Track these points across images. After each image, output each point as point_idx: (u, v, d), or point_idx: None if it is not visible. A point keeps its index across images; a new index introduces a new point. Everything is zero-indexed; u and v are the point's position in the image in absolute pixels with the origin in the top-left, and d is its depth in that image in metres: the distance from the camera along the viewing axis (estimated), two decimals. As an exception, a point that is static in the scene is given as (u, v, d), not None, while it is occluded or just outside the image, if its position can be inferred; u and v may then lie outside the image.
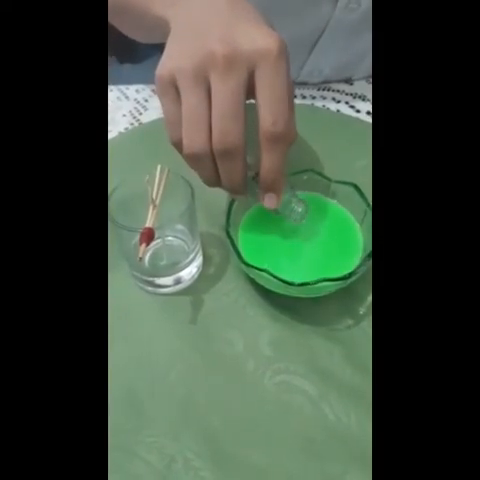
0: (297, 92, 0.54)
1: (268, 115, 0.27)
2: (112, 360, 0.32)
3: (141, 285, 0.36)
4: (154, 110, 0.51)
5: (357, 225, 0.35)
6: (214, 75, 0.27)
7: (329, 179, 0.36)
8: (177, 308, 0.35)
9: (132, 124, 0.50)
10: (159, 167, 0.33)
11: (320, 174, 0.37)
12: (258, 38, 0.27)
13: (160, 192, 0.32)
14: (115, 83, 0.55)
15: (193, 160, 0.29)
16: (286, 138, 0.28)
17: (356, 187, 0.35)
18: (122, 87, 0.53)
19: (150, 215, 0.31)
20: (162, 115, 0.50)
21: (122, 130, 0.49)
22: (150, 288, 0.36)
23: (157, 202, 0.32)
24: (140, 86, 0.53)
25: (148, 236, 0.30)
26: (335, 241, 0.35)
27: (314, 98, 0.53)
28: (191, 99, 0.28)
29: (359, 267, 0.32)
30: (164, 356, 0.33)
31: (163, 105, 0.30)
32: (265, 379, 0.32)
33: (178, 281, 0.36)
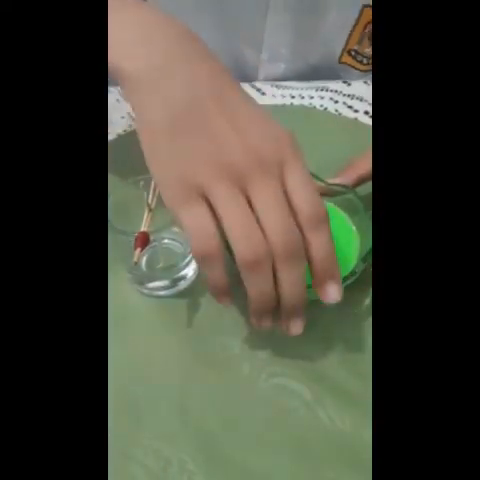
0: (295, 93, 0.53)
1: (307, 204, 0.27)
2: (108, 363, 0.33)
3: (138, 288, 0.36)
4: (152, 112, 0.51)
5: (353, 228, 0.35)
6: (253, 183, 0.26)
7: (325, 182, 0.36)
8: (173, 311, 0.35)
9: (131, 126, 0.50)
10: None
11: (316, 176, 0.36)
12: (272, 132, 0.27)
13: (156, 196, 0.32)
14: (114, 85, 0.55)
15: (255, 268, 0.26)
16: (327, 218, 0.27)
17: (352, 190, 0.35)
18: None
19: (145, 219, 0.31)
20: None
21: (121, 132, 0.49)
22: (147, 291, 0.36)
23: (152, 206, 0.32)
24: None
25: (143, 240, 0.30)
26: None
27: (312, 98, 0.53)
28: (237, 208, 0.26)
29: (354, 271, 0.32)
30: (159, 359, 0.33)
31: (189, 217, 0.26)
32: (260, 382, 0.32)
33: (175, 284, 0.36)
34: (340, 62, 0.53)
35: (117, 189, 0.34)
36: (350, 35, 0.50)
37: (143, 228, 0.31)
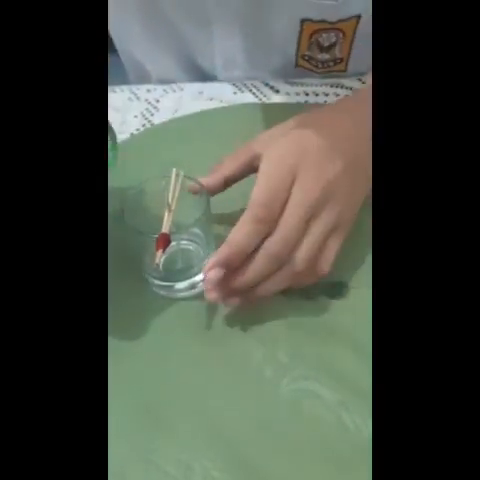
0: (309, 90, 0.53)
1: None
2: (126, 367, 0.32)
3: (155, 290, 0.36)
4: (165, 110, 0.50)
5: None
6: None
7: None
8: (192, 314, 0.35)
9: (144, 125, 0.49)
10: (174, 171, 0.32)
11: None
12: None
13: (175, 196, 0.32)
14: (127, 83, 0.54)
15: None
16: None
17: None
18: (133, 87, 0.53)
19: (166, 220, 0.31)
20: (173, 116, 0.50)
21: (134, 131, 0.48)
22: (164, 293, 0.35)
23: (173, 207, 0.31)
24: (151, 86, 0.53)
25: (164, 242, 0.29)
26: None
27: (327, 95, 0.52)
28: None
29: None
30: (179, 363, 0.33)
31: None
32: (282, 386, 0.31)
33: (193, 286, 0.35)
34: (297, 66, 0.53)
35: (135, 189, 0.34)
36: (299, 43, 0.50)
37: (164, 229, 0.30)
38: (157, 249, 0.29)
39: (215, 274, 0.29)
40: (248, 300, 0.32)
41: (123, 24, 0.54)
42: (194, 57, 0.55)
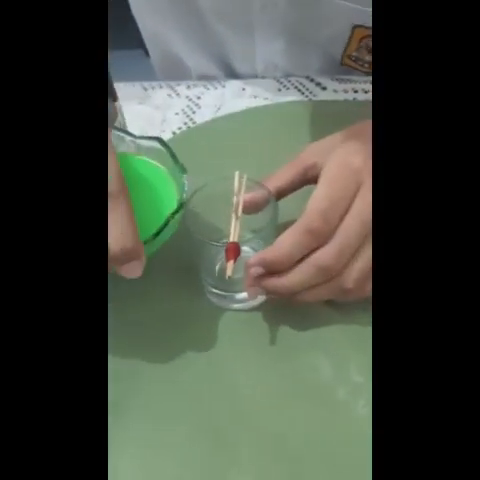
0: (358, 87, 0.50)
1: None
2: (184, 382, 0.30)
3: (210, 297, 0.33)
4: (207, 108, 0.48)
5: (168, 176, 0.31)
6: None
7: (133, 135, 0.32)
8: (254, 326, 0.32)
9: (185, 123, 0.47)
10: (237, 174, 0.30)
11: (123, 130, 0.32)
12: None
13: (241, 202, 0.29)
14: (167, 79, 0.52)
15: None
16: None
17: (160, 140, 0.31)
18: (172, 83, 0.50)
19: (233, 228, 0.28)
20: (216, 113, 0.47)
21: (175, 130, 0.46)
22: (222, 302, 0.33)
23: (239, 213, 0.29)
24: (191, 82, 0.50)
25: (234, 252, 0.27)
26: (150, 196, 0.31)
27: (366, 92, 0.49)
28: None
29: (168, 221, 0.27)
30: (244, 383, 0.30)
31: None
32: (358, 409, 0.29)
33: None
34: (342, 64, 0.52)
35: (193, 193, 0.31)
36: (347, 45, 0.49)
37: (232, 238, 0.28)
38: (228, 260, 0.26)
39: (255, 271, 0.28)
40: (287, 303, 0.30)
41: (158, 23, 0.52)
42: (233, 60, 0.53)
